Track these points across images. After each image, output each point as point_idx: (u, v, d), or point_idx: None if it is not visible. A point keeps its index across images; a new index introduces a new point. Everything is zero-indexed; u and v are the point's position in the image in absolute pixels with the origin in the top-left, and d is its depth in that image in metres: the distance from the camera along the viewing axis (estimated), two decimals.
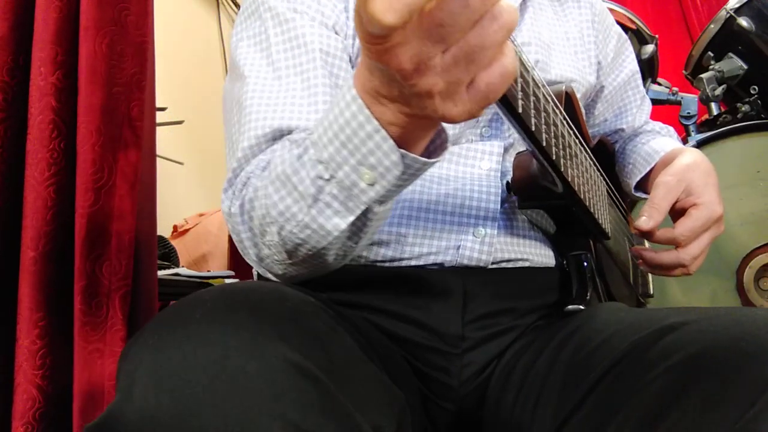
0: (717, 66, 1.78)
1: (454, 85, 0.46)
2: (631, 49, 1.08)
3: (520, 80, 0.54)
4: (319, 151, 0.59)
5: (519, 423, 0.74)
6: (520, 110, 0.54)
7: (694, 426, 0.54)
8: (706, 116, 1.87)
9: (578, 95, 0.93)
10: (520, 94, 0.54)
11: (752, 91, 1.75)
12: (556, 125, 0.66)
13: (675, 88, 1.87)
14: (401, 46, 0.43)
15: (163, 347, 0.49)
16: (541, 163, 0.69)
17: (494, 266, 0.80)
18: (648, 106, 1.12)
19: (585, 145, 0.81)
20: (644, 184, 1.02)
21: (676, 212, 0.89)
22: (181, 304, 0.54)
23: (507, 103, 0.53)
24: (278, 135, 0.74)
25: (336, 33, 0.80)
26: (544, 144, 0.61)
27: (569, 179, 0.71)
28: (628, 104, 1.08)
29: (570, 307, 0.82)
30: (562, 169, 0.69)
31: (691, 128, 1.80)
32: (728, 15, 1.78)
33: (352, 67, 0.81)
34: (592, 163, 0.85)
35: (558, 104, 0.67)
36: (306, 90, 0.76)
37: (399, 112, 0.52)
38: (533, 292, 0.83)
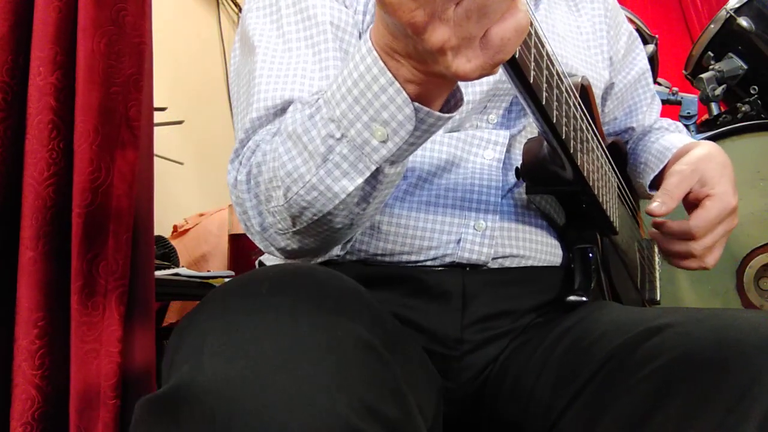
0: (717, 66, 1.78)
1: (466, 41, 0.46)
2: (641, 47, 1.08)
3: (533, 51, 0.54)
4: (332, 109, 0.59)
5: (514, 423, 0.74)
6: (531, 80, 0.54)
7: (678, 428, 0.54)
8: (706, 116, 1.87)
9: (595, 94, 0.92)
10: (533, 65, 0.54)
11: (752, 91, 1.74)
12: (568, 105, 0.65)
13: (675, 88, 1.87)
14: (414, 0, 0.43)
15: (232, 318, 0.49)
16: (551, 145, 0.68)
17: (495, 265, 0.80)
18: (658, 105, 1.11)
19: (598, 136, 0.80)
20: (658, 182, 1.01)
21: (690, 203, 0.89)
22: (242, 280, 0.55)
23: (518, 70, 0.52)
24: (288, 107, 0.73)
25: (346, 7, 0.79)
26: (555, 121, 0.61)
27: (578, 163, 0.70)
28: (638, 102, 1.08)
29: (572, 297, 0.81)
30: (572, 151, 0.68)
31: (691, 128, 1.80)
32: (728, 15, 1.78)
33: None
34: (604, 154, 0.84)
35: (572, 87, 0.67)
36: (317, 63, 0.76)
37: (413, 68, 0.52)
38: (534, 292, 0.83)
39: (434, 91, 0.56)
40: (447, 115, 0.57)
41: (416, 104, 0.55)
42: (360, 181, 0.61)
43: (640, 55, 1.07)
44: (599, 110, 1.01)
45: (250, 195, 0.71)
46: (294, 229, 0.68)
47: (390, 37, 0.51)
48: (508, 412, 0.75)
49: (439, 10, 0.44)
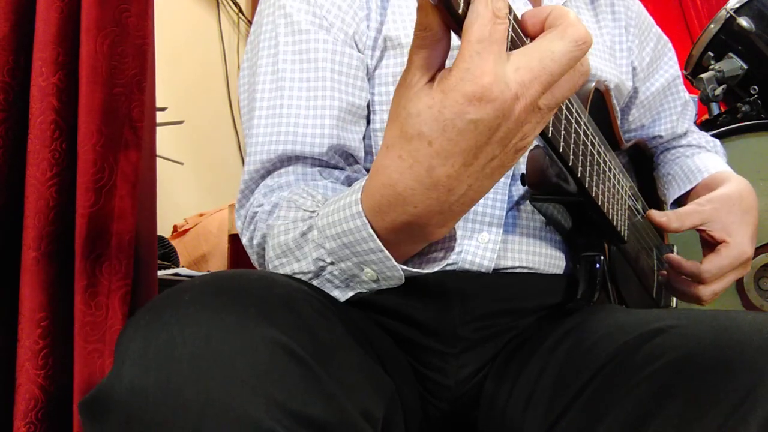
0: (717, 66, 1.78)
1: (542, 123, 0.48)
2: (671, 53, 1.05)
3: None
4: (323, 239, 0.60)
5: (511, 424, 0.73)
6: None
7: (679, 430, 0.54)
8: (706, 116, 1.87)
9: (613, 98, 0.91)
10: None
11: (752, 91, 1.74)
12: (569, 121, 0.64)
13: None
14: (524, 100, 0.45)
15: (151, 328, 0.50)
16: (552, 158, 0.68)
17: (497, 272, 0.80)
18: (691, 112, 1.09)
19: (603, 147, 0.79)
20: (683, 202, 1.00)
21: (705, 241, 0.90)
22: (172, 290, 0.55)
23: None
24: (285, 159, 0.75)
25: (355, 43, 0.79)
26: (550, 135, 0.61)
27: (579, 175, 0.69)
28: (666, 110, 1.06)
29: (573, 306, 0.81)
30: (570, 164, 0.67)
31: None
32: (728, 15, 1.78)
33: (369, 79, 0.80)
34: (613, 164, 0.83)
35: (573, 103, 0.66)
36: (312, 109, 0.76)
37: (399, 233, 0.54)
38: (534, 295, 0.82)
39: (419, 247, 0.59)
40: (435, 270, 0.60)
41: (405, 268, 0.57)
42: (352, 294, 0.63)
43: (670, 62, 1.05)
44: (620, 120, 0.99)
45: (255, 257, 0.75)
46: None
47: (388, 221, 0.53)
48: (507, 412, 0.74)
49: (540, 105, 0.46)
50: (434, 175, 0.47)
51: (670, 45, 1.06)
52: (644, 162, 1.02)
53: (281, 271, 0.66)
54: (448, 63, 0.46)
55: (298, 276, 0.64)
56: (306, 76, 0.77)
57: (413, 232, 0.53)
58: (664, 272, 0.94)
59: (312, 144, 0.75)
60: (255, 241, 0.73)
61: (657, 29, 1.04)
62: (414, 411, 0.74)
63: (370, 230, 0.54)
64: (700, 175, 0.97)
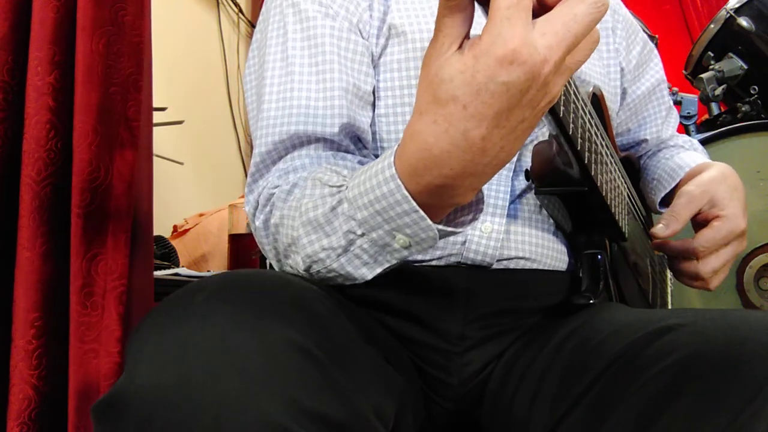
0: (717, 66, 1.78)
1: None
2: (657, 59, 1.06)
3: None
4: (353, 210, 0.60)
5: (515, 422, 0.73)
6: None
7: (688, 427, 0.54)
8: (706, 116, 1.87)
9: (609, 101, 0.91)
10: None
11: (752, 91, 1.74)
12: (576, 113, 0.65)
13: (675, 88, 1.87)
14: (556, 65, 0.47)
15: (166, 328, 0.50)
16: (560, 144, 0.69)
17: (500, 266, 0.80)
18: (675, 118, 1.10)
19: (606, 140, 0.80)
20: (669, 201, 0.99)
21: (699, 224, 0.89)
22: (184, 289, 0.55)
23: None
24: (296, 141, 0.75)
25: (359, 31, 0.80)
26: (566, 125, 0.61)
27: (586, 163, 0.70)
28: (651, 115, 1.07)
29: (579, 299, 0.81)
30: (579, 151, 0.68)
31: (691, 128, 1.80)
32: (728, 15, 1.78)
33: (374, 66, 0.81)
34: (615, 164, 0.83)
35: (578, 91, 0.66)
36: (322, 92, 0.77)
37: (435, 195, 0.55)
38: (538, 293, 0.82)
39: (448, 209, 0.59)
40: (469, 227, 0.61)
41: (440, 227, 0.57)
42: (380, 270, 0.63)
43: (656, 67, 1.06)
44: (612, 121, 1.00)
45: (268, 240, 0.73)
46: (311, 279, 0.70)
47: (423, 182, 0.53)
48: (511, 410, 0.74)
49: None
50: (469, 137, 0.48)
51: (656, 52, 1.07)
52: (633, 174, 1.03)
53: (309, 249, 0.65)
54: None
55: (327, 252, 0.64)
56: (314, 60, 0.78)
57: (445, 194, 0.54)
58: (658, 241, 0.92)
59: (323, 124, 0.75)
60: (272, 221, 0.72)
61: (643, 35, 1.05)
62: (417, 409, 0.74)
63: (405, 192, 0.54)
64: (682, 171, 0.97)
